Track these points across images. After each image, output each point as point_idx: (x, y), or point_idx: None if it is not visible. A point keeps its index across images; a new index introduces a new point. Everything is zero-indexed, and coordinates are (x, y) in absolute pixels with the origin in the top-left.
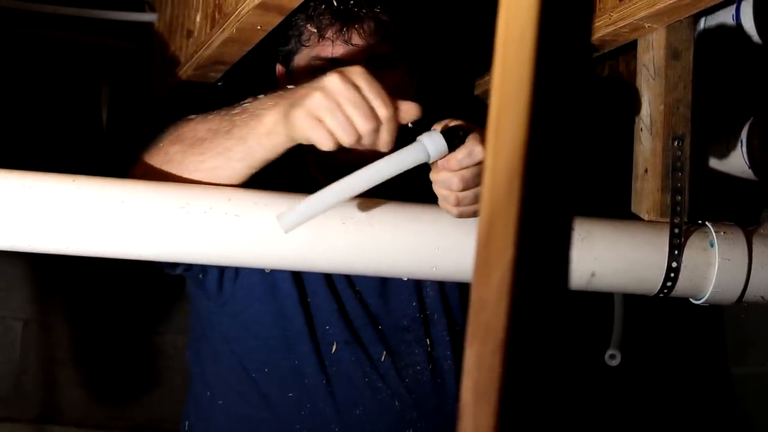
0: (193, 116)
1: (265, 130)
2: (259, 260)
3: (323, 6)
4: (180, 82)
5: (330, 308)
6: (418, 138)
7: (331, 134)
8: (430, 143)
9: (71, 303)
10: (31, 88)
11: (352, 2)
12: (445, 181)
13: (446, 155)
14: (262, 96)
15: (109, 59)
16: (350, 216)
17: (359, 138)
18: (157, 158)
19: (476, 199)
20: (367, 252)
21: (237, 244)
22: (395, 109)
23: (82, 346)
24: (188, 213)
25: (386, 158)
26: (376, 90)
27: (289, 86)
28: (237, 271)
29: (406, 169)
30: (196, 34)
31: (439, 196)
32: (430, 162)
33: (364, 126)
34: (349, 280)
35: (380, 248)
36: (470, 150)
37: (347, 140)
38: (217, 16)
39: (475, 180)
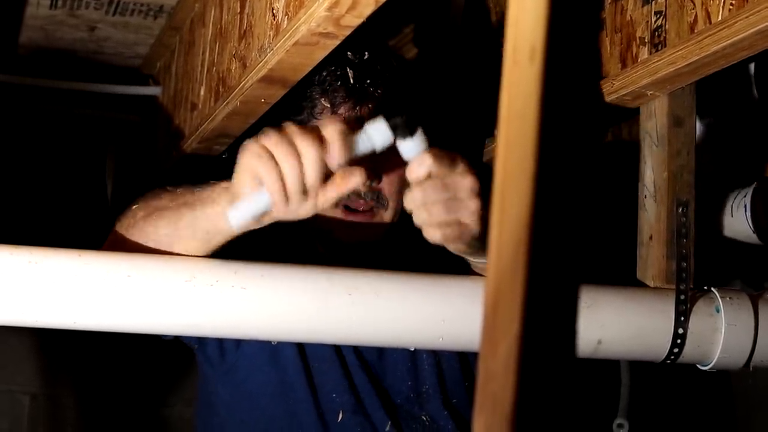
0: (170, 187)
1: (210, 198)
2: (266, 332)
3: (339, 83)
4: (184, 154)
5: (336, 376)
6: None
7: (274, 165)
8: (371, 125)
9: (79, 376)
10: (36, 161)
11: (368, 81)
12: (411, 199)
13: (391, 141)
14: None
15: (113, 132)
16: (356, 287)
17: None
18: (125, 221)
19: (456, 225)
20: (374, 323)
21: (244, 316)
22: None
23: (90, 420)
24: (194, 286)
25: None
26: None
27: None
28: (238, 340)
29: (359, 152)
30: (200, 107)
31: (420, 224)
32: (377, 149)
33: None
34: (355, 348)
35: (386, 319)
36: (421, 159)
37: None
38: (220, 89)
39: (437, 193)
